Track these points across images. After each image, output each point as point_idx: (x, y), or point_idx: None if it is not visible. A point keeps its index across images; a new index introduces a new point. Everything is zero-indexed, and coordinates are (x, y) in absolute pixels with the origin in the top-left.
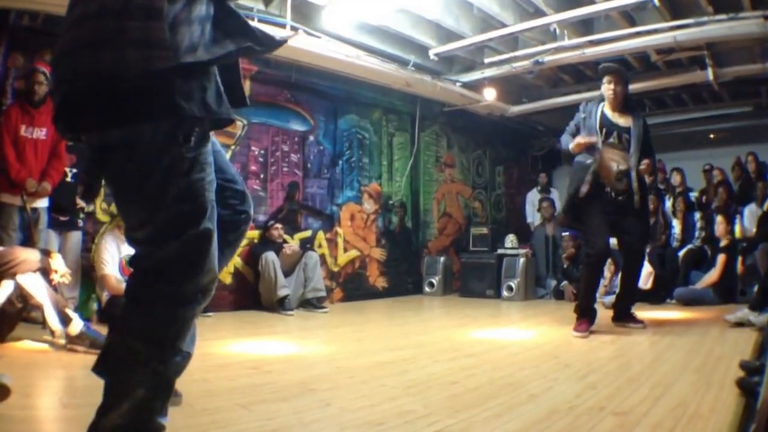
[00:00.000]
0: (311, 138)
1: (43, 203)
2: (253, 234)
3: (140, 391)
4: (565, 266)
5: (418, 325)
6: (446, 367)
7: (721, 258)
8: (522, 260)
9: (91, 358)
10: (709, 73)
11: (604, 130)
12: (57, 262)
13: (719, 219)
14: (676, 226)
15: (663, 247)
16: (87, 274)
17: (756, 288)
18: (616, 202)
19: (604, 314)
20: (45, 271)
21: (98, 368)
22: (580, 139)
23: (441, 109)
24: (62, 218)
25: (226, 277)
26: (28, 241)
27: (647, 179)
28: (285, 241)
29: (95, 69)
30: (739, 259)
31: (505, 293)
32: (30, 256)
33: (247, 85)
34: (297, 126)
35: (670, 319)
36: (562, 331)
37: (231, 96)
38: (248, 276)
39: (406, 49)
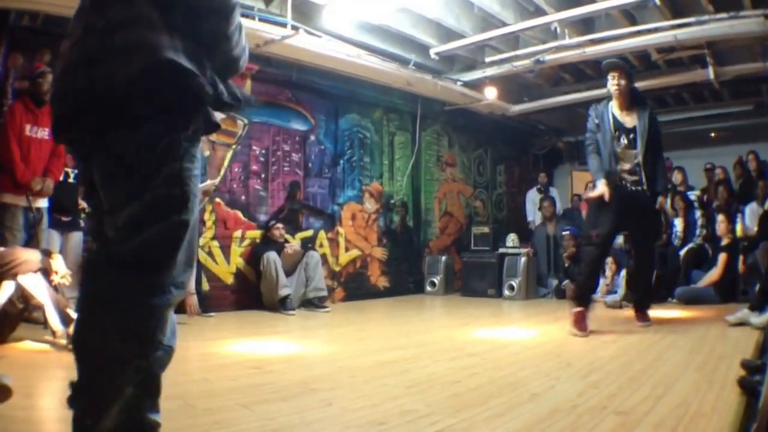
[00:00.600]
0: (312, 137)
1: (44, 203)
2: (254, 234)
3: (128, 390)
4: (566, 265)
5: (419, 324)
6: (448, 366)
7: (722, 257)
8: (523, 259)
9: None
10: (710, 72)
11: (617, 134)
12: (57, 263)
13: (720, 218)
14: (678, 224)
15: (664, 245)
16: None
17: (757, 287)
18: (631, 194)
19: (605, 314)
20: (46, 272)
21: (75, 391)
22: (598, 193)
23: (442, 108)
24: (64, 218)
25: (227, 277)
26: (31, 241)
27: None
28: (286, 241)
29: (90, 85)
30: (741, 258)
31: (506, 292)
32: (31, 256)
33: (248, 85)
34: (298, 125)
35: (671, 318)
36: (563, 330)
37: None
38: (250, 276)
39: (407, 48)
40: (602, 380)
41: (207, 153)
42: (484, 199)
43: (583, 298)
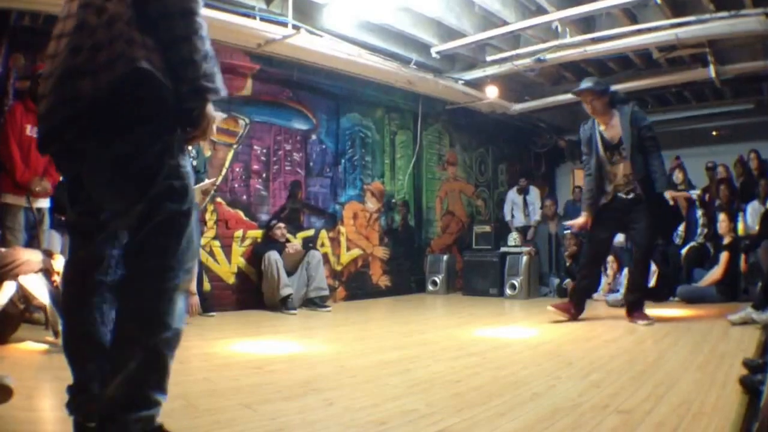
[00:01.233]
0: (313, 137)
1: (45, 203)
2: (256, 233)
3: (131, 364)
4: (567, 264)
5: (421, 323)
6: (449, 365)
7: (724, 256)
8: (525, 258)
9: None
10: (711, 71)
11: (607, 153)
12: (59, 264)
13: (722, 216)
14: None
15: (666, 244)
16: None
17: (759, 286)
18: (627, 201)
19: (607, 313)
20: (47, 272)
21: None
22: (579, 222)
23: (443, 107)
24: (65, 219)
25: (229, 276)
26: (32, 242)
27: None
28: (288, 240)
29: (78, 94)
30: (742, 256)
31: (508, 291)
32: (32, 257)
33: (248, 84)
34: (299, 125)
35: (673, 316)
36: (565, 329)
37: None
38: (251, 275)
39: (408, 47)
40: (604, 379)
41: (208, 153)
42: (485, 197)
43: (576, 295)
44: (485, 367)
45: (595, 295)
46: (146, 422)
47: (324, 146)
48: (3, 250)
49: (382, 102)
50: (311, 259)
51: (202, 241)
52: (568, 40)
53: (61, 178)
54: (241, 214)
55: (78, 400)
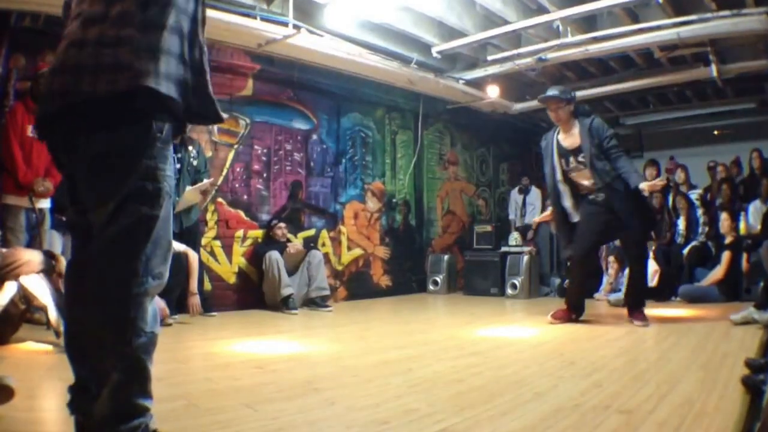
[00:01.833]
0: (314, 136)
1: (46, 204)
2: (256, 233)
3: (114, 376)
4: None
5: (422, 323)
6: (451, 365)
7: (726, 255)
8: (526, 258)
9: None
10: (713, 70)
11: (563, 161)
12: (62, 265)
13: (724, 216)
14: (681, 223)
15: (668, 244)
16: None
17: (761, 285)
18: (600, 202)
19: (608, 312)
20: (48, 273)
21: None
22: (545, 216)
23: (444, 106)
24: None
25: (230, 276)
26: (33, 242)
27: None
28: (289, 240)
29: (77, 90)
30: (744, 256)
31: (509, 291)
32: (33, 257)
33: (249, 84)
34: (300, 125)
35: (675, 316)
36: (566, 328)
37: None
38: (252, 275)
39: (409, 46)
40: (605, 379)
41: (209, 153)
42: (486, 197)
43: (571, 307)
44: (487, 366)
45: (597, 295)
46: (139, 431)
47: (325, 146)
48: (4, 250)
49: (383, 102)
50: (312, 259)
51: (203, 241)
52: (569, 39)
53: (62, 178)
54: (241, 213)
55: (79, 400)
